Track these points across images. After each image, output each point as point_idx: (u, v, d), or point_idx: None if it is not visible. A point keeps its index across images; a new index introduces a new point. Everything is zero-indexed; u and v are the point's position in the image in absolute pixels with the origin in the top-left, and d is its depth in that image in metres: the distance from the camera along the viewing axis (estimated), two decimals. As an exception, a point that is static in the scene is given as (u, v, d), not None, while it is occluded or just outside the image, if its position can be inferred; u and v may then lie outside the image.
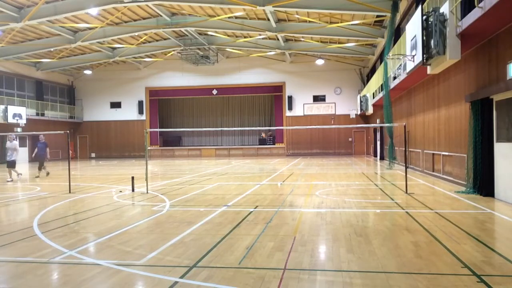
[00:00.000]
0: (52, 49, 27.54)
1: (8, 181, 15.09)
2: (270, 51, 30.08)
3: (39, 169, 16.91)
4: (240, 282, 4.05)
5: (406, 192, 9.99)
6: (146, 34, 26.64)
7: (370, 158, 27.26)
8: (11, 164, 15.62)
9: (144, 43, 28.90)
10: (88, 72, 34.60)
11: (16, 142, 16.10)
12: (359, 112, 29.26)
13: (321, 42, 28.07)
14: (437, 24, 9.34)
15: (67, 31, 24.89)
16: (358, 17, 21.97)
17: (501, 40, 8.52)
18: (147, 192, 10.83)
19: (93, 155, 36.52)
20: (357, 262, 4.61)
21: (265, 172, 17.35)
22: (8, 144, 15.82)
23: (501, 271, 4.28)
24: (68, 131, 13.49)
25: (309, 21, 23.54)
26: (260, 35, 26.40)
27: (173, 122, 38.13)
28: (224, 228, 6.39)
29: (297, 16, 23.14)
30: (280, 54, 31.40)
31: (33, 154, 17.26)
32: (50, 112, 33.33)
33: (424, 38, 10.03)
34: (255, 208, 8.25)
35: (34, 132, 18.56)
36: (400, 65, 15.28)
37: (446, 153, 12.25)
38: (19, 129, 28.20)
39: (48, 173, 17.07)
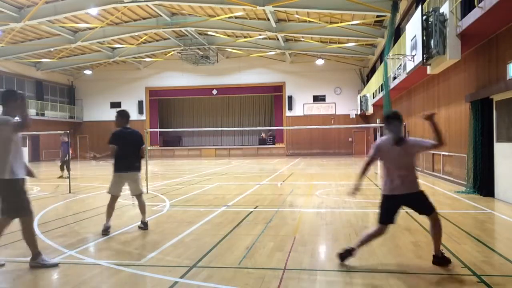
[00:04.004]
0: (52, 49, 27.54)
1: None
2: (270, 51, 30.08)
3: (67, 169, 16.64)
4: (240, 282, 4.04)
5: (406, 192, 9.96)
6: (146, 34, 26.63)
7: (370, 158, 27.21)
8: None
9: (144, 43, 28.89)
10: (88, 72, 34.60)
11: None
12: (359, 112, 29.26)
13: (321, 42, 28.07)
14: (437, 24, 9.35)
15: (67, 31, 24.89)
16: (358, 17, 21.96)
17: (501, 40, 8.52)
18: (147, 192, 10.81)
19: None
20: (357, 262, 4.60)
21: (265, 172, 17.35)
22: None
23: (501, 271, 4.28)
24: (68, 131, 13.48)
25: (309, 21, 23.53)
26: (260, 35, 26.40)
27: (173, 122, 38.12)
28: (224, 228, 6.39)
29: (297, 16, 23.14)
30: (280, 54, 31.39)
31: (62, 155, 16.65)
32: (50, 112, 33.31)
33: (424, 38, 10.04)
34: (255, 208, 8.25)
35: (34, 132, 18.43)
36: (400, 65, 15.27)
37: (446, 153, 12.25)
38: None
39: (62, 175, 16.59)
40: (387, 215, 4.53)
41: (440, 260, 4.42)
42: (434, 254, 4.46)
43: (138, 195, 6.46)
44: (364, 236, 4.62)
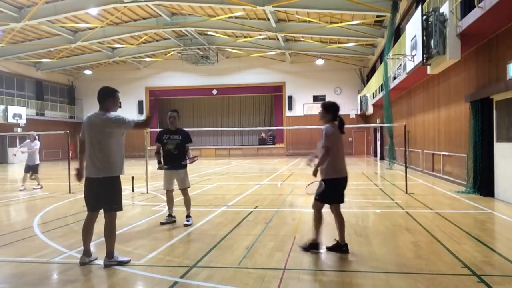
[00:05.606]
0: (52, 49, 27.54)
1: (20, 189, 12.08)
2: (270, 51, 30.07)
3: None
4: (240, 282, 4.04)
5: (406, 192, 9.98)
6: (146, 34, 26.63)
7: (370, 158, 27.25)
8: (33, 169, 12.60)
9: (144, 43, 28.89)
10: (88, 72, 34.59)
11: (37, 142, 13.08)
12: (359, 112, 29.24)
13: (321, 42, 28.06)
14: (437, 24, 9.34)
15: (67, 31, 24.89)
16: (358, 17, 21.96)
17: (501, 40, 8.52)
18: (147, 192, 10.83)
19: (93, 155, 36.46)
20: (357, 262, 4.61)
21: (265, 172, 17.35)
22: (28, 144, 12.80)
23: (501, 271, 4.28)
24: (68, 131, 13.48)
25: (309, 21, 23.53)
26: (260, 35, 26.40)
27: (173, 122, 38.02)
28: (224, 228, 6.39)
29: (297, 16, 23.14)
30: (280, 54, 31.39)
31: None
32: (50, 112, 33.32)
33: (424, 38, 10.03)
34: (255, 208, 8.25)
35: (33, 132, 18.41)
36: (400, 65, 15.28)
37: (446, 153, 12.25)
38: (19, 129, 28.18)
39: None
40: (341, 195, 5.28)
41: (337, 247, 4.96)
42: (338, 240, 5.05)
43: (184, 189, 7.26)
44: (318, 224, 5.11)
